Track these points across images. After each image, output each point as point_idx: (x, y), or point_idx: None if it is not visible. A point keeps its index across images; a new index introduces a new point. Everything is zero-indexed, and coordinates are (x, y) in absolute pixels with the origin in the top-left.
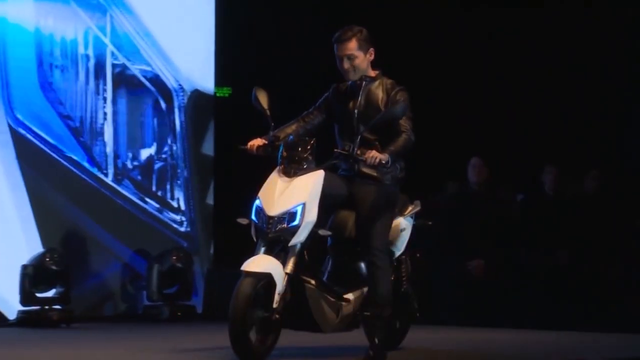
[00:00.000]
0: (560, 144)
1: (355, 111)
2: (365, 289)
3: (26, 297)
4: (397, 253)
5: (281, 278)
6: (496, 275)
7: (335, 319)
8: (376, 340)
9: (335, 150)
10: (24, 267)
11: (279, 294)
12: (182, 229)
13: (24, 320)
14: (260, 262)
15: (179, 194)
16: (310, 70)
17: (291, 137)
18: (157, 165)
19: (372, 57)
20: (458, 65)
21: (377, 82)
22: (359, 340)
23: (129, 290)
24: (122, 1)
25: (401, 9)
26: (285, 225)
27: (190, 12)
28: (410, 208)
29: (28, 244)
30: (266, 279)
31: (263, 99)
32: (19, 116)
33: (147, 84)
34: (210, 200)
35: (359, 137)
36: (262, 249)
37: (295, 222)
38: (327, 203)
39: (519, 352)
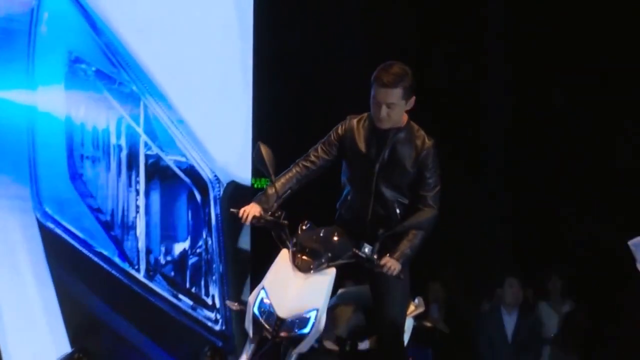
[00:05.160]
0: None
1: (377, 166)
2: None
3: None
4: None
5: None
6: None
7: None
8: None
9: (354, 250)
10: None
11: None
12: (217, 328)
13: None
14: None
15: (214, 291)
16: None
17: (308, 224)
18: (191, 260)
19: (412, 106)
20: None
21: (405, 133)
22: None
23: None
24: (157, 90)
25: None
26: (294, 331)
27: (227, 100)
28: (412, 308)
29: (55, 344)
30: None
31: (267, 154)
32: (48, 210)
33: (182, 175)
34: (247, 297)
35: (379, 242)
36: (252, 348)
37: (306, 330)
38: None
39: None
